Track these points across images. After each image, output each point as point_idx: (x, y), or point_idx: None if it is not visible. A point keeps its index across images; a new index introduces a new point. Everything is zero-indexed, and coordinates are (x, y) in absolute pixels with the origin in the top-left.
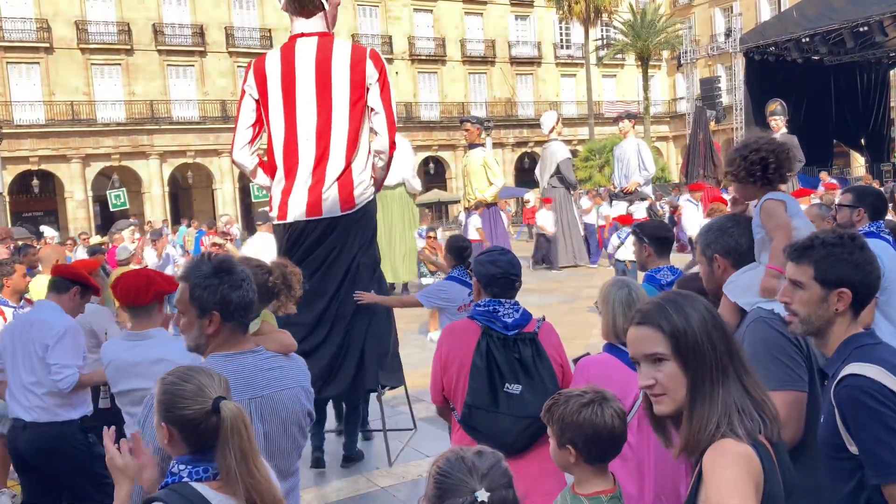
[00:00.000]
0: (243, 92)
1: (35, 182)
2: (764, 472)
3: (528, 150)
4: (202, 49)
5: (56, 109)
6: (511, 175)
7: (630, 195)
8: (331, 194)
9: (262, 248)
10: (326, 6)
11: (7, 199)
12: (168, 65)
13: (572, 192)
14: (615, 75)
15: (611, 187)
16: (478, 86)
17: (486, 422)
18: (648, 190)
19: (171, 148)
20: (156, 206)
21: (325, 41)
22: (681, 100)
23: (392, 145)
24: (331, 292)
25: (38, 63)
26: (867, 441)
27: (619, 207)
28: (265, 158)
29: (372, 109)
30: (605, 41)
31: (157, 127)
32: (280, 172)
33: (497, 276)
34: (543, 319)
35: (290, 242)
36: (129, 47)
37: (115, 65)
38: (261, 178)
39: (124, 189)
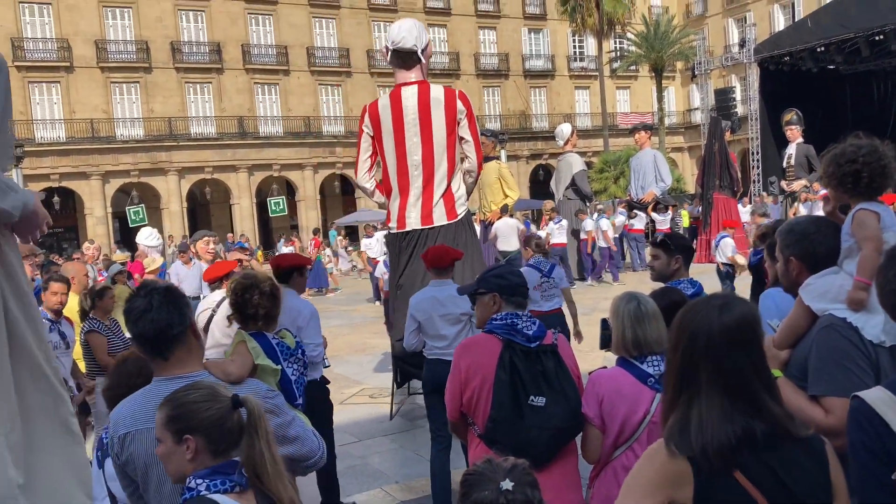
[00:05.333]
0: (361, 131)
1: (56, 199)
2: (697, 488)
3: (543, 163)
4: (219, 66)
5: (76, 127)
6: (526, 187)
7: (639, 206)
8: (438, 208)
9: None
10: (423, 60)
11: None
12: (186, 82)
13: (588, 204)
14: (629, 87)
15: (627, 198)
16: (492, 99)
17: (512, 434)
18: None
19: (189, 164)
20: (174, 222)
21: (424, 87)
22: (695, 110)
23: (479, 166)
24: None
25: (58, 82)
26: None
27: (639, 219)
28: (380, 180)
29: (462, 139)
30: (618, 53)
31: (175, 143)
32: (395, 192)
33: (521, 285)
34: (558, 331)
35: (411, 248)
36: (147, 65)
37: (134, 83)
38: (377, 196)
39: (143, 205)
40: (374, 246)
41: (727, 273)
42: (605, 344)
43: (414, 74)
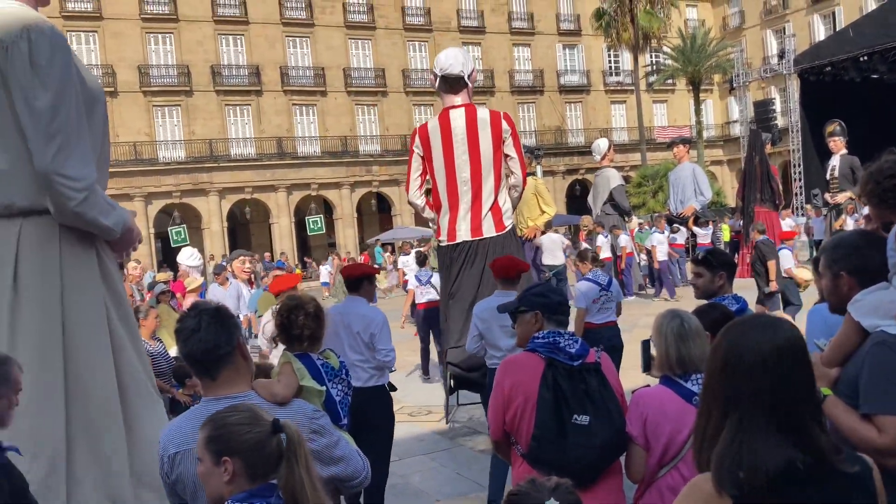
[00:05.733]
0: (412, 151)
1: None
2: None
3: (579, 178)
4: (258, 88)
5: (120, 150)
6: (563, 203)
7: (679, 221)
8: (487, 220)
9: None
10: (469, 84)
11: None
12: (226, 104)
13: (627, 220)
14: (666, 100)
15: (666, 212)
16: (527, 115)
17: (555, 453)
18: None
19: (229, 185)
20: (215, 241)
21: (471, 110)
22: (734, 123)
23: (524, 181)
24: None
25: None
26: None
27: (680, 234)
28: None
29: (507, 156)
30: (654, 67)
31: (215, 165)
32: (445, 207)
33: (562, 303)
34: (601, 349)
35: (462, 258)
36: (188, 89)
37: (175, 106)
38: (427, 212)
39: (185, 225)
40: (412, 263)
41: (786, 288)
42: (648, 367)
43: (460, 98)
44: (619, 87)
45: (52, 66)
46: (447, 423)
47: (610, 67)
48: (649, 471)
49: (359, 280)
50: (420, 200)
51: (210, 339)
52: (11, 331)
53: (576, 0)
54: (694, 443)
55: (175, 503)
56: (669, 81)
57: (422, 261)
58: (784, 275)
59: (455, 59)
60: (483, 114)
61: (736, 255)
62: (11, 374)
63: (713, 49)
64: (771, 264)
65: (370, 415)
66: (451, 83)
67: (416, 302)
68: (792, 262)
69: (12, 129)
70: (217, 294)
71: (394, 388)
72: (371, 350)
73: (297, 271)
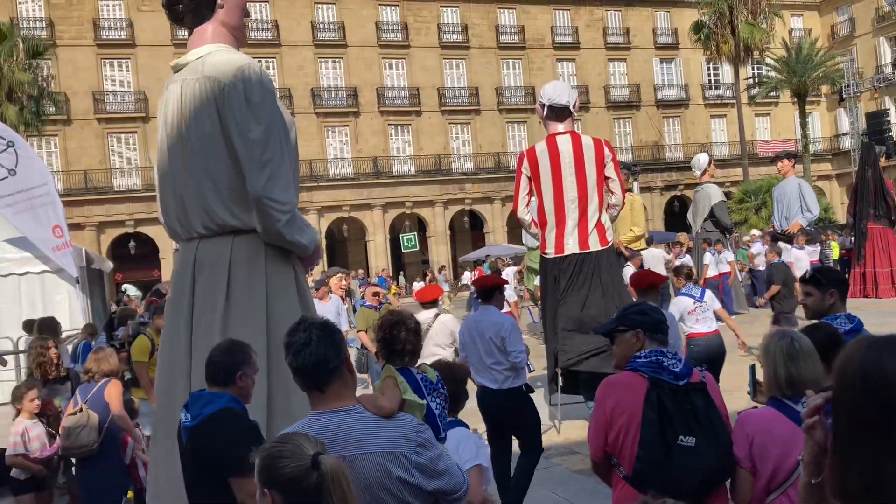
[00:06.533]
0: (520, 172)
1: None
2: None
3: (678, 194)
4: (356, 110)
5: None
6: (660, 219)
7: (784, 238)
8: (593, 236)
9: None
10: (573, 113)
11: None
12: (325, 126)
13: (728, 237)
14: (769, 113)
15: (770, 229)
16: (622, 130)
17: (661, 476)
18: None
19: (328, 203)
20: None
21: (576, 137)
22: (844, 136)
23: (623, 202)
24: (597, 295)
25: None
26: None
27: (789, 252)
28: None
29: (608, 178)
30: (756, 79)
31: (315, 184)
32: (551, 223)
33: (663, 321)
34: (705, 368)
35: (571, 269)
36: (290, 111)
37: None
38: (532, 228)
39: None
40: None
41: None
42: (755, 393)
43: (563, 126)
44: (719, 101)
45: (263, 102)
46: (551, 401)
47: (709, 81)
48: (757, 496)
49: (491, 290)
50: (527, 217)
51: (321, 353)
52: (223, 335)
53: (673, 13)
54: (835, 471)
55: None
56: (773, 94)
57: None
58: None
59: (562, 90)
60: (587, 140)
61: (847, 274)
62: (252, 357)
63: (821, 59)
64: (774, 287)
65: (511, 416)
66: (558, 112)
67: None
68: None
69: (224, 158)
70: (319, 308)
71: (531, 390)
72: (503, 353)
73: (393, 288)
